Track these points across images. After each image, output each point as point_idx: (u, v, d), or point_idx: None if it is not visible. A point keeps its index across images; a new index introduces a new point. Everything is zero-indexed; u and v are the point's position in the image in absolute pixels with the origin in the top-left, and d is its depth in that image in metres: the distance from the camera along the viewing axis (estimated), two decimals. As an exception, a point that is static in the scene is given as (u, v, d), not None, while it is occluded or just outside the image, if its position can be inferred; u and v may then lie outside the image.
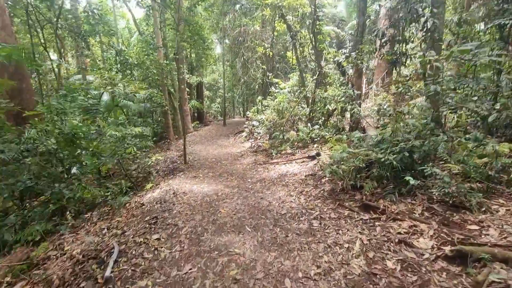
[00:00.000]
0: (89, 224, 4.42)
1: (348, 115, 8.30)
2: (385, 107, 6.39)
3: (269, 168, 6.74)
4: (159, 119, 14.37)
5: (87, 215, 4.78)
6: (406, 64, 6.20)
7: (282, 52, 14.72)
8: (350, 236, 3.07)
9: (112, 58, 10.98)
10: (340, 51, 8.60)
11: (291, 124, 8.85)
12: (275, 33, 10.64)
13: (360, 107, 7.66)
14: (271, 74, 11.25)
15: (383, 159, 3.89)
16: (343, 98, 7.57)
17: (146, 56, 10.58)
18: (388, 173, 3.89)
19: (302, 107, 9.66)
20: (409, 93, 8.10)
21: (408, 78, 11.43)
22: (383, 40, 6.12)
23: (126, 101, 6.53)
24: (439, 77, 4.77)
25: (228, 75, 21.46)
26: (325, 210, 3.86)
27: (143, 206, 4.75)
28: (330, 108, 7.40)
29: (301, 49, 9.74)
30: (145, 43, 11.54)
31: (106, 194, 5.16)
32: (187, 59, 21.36)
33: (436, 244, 2.66)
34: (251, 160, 8.10)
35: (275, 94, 10.29)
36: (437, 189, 3.41)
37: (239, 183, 5.75)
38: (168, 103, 14.58)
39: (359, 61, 6.80)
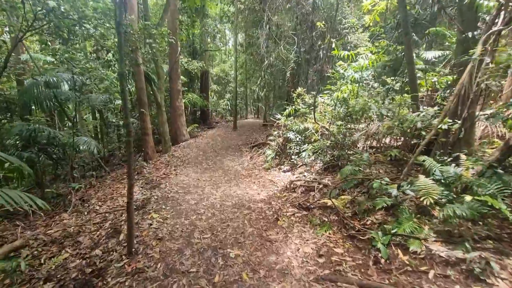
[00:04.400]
0: None
1: None
2: None
3: None
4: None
5: None
6: None
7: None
8: None
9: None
10: None
11: (405, 149, 3.60)
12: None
13: None
14: (333, 39, 5.82)
15: None
16: None
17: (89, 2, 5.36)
18: None
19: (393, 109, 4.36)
20: None
21: None
22: None
23: None
24: None
25: (244, 63, 16.02)
26: None
27: None
28: None
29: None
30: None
31: None
32: (188, 39, 16.19)
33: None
34: (309, 253, 2.89)
35: (339, 82, 5.04)
36: None
37: None
38: (150, 95, 9.54)
39: None
